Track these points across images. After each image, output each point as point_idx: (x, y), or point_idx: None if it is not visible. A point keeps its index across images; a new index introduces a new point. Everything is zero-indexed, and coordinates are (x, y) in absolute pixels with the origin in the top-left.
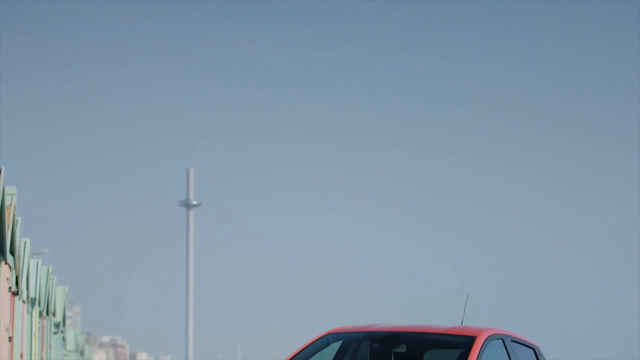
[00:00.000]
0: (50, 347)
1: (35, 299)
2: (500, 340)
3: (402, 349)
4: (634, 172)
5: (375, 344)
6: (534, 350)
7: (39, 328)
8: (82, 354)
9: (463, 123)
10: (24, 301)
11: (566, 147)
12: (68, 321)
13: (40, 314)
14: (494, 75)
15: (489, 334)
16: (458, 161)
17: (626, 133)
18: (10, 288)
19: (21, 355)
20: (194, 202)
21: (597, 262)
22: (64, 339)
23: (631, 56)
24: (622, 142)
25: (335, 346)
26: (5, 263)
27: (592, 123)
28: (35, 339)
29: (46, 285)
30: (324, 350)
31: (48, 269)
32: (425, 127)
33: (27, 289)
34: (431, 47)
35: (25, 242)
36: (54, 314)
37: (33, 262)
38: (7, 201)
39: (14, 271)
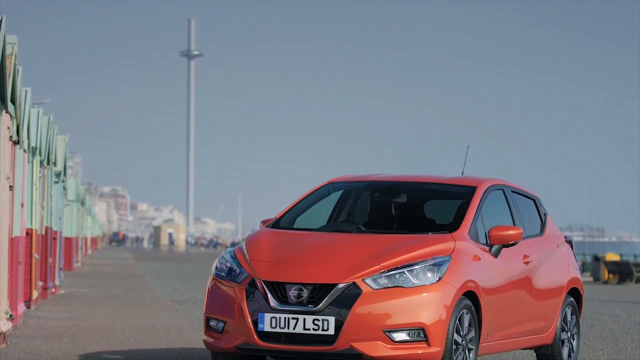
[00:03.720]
0: (50, 196)
1: (36, 148)
2: (501, 191)
3: (403, 198)
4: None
5: (376, 194)
6: (534, 200)
7: (40, 177)
8: (82, 203)
9: None
10: (24, 150)
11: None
12: (69, 171)
13: (41, 163)
14: None
15: (490, 184)
16: (458, 20)
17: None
18: (11, 137)
19: (22, 204)
20: (195, 53)
21: (598, 113)
22: (64, 188)
23: None
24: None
25: (335, 195)
26: (6, 112)
27: None
28: (36, 188)
29: (47, 134)
30: (325, 199)
31: (49, 119)
32: None
33: (28, 138)
34: None
35: (26, 92)
36: (54, 164)
37: (34, 112)
38: (8, 50)
39: (14, 120)
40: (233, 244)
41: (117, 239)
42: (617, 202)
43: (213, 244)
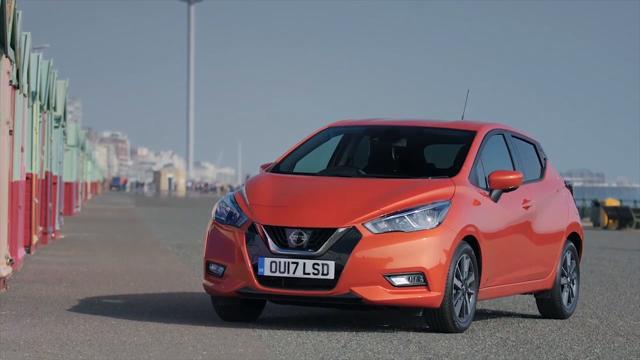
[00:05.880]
0: (50, 141)
1: (35, 92)
2: (501, 136)
3: (402, 143)
4: None
5: (376, 138)
6: (534, 145)
7: (40, 122)
8: (82, 148)
9: None
10: (24, 95)
11: None
12: (69, 116)
13: (41, 108)
14: None
15: (490, 128)
16: None
17: None
18: (11, 81)
19: (22, 149)
20: None
21: (599, 58)
22: (64, 133)
23: None
24: None
25: (335, 140)
26: (6, 56)
27: None
28: (36, 133)
29: (47, 79)
30: (325, 144)
31: (49, 63)
32: None
33: (28, 82)
34: None
35: (26, 36)
36: (54, 108)
37: (34, 56)
38: None
39: (14, 65)
40: (231, 189)
41: (117, 184)
42: (617, 147)
43: (210, 188)
